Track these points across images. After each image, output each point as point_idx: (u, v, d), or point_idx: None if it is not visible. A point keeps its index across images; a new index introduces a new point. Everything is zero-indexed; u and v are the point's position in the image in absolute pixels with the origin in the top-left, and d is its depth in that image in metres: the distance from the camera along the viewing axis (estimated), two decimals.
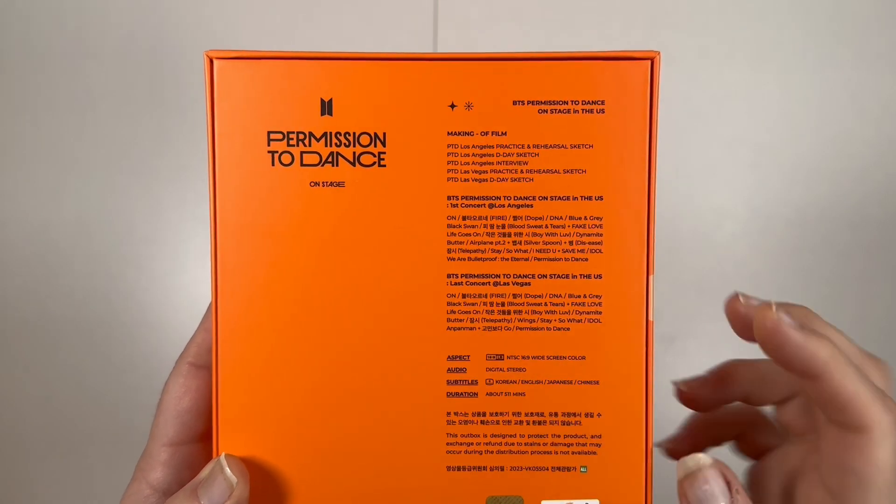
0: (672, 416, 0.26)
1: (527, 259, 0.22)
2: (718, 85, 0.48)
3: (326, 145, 0.22)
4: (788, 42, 0.48)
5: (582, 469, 0.22)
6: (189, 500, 0.21)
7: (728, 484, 0.20)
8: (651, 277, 0.22)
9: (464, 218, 0.22)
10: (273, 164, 0.22)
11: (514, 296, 0.22)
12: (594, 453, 0.22)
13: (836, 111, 0.48)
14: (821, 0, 0.49)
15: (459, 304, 0.22)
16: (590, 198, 0.22)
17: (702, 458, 0.21)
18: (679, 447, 0.26)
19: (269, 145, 0.22)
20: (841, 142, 0.48)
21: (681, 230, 0.49)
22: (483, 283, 0.22)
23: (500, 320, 0.22)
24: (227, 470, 0.21)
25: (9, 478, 0.49)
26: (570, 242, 0.22)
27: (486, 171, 0.22)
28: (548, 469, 0.22)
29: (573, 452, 0.22)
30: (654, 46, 0.50)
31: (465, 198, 0.22)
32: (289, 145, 0.22)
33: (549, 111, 0.22)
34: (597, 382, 0.22)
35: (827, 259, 0.49)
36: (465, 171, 0.22)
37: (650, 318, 0.22)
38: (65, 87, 0.49)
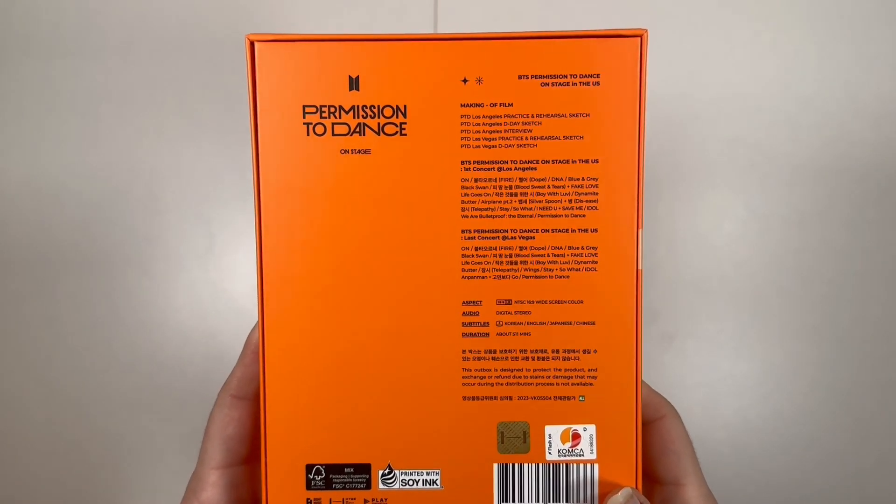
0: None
1: (531, 216, 0.25)
2: (718, 85, 0.48)
3: (354, 117, 0.25)
4: (788, 42, 0.48)
5: (580, 398, 0.25)
6: None
7: None
8: (640, 231, 0.25)
9: (476, 180, 0.25)
10: (308, 135, 0.25)
11: (521, 248, 0.25)
12: (591, 384, 0.25)
13: (836, 111, 0.48)
14: (820, 0, 0.48)
15: (472, 256, 0.25)
16: (587, 161, 0.25)
17: (624, 492, 0.25)
18: None
19: (304, 118, 0.25)
20: (840, 142, 0.48)
21: (680, 230, 0.48)
22: (493, 238, 0.25)
23: (508, 270, 0.25)
24: None
25: (9, 478, 0.48)
26: (570, 201, 0.25)
27: (495, 139, 0.25)
28: (550, 398, 0.25)
29: (572, 384, 0.25)
30: (655, 46, 0.51)
31: (477, 162, 0.25)
32: (321, 118, 0.25)
33: (550, 84, 0.24)
34: (593, 323, 0.25)
35: (826, 259, 0.48)
36: (477, 139, 0.25)
37: (639, 268, 0.25)
38: (65, 87, 0.48)
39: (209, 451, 0.27)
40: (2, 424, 0.49)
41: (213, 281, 0.48)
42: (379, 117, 0.25)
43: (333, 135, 0.25)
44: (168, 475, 0.48)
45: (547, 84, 0.24)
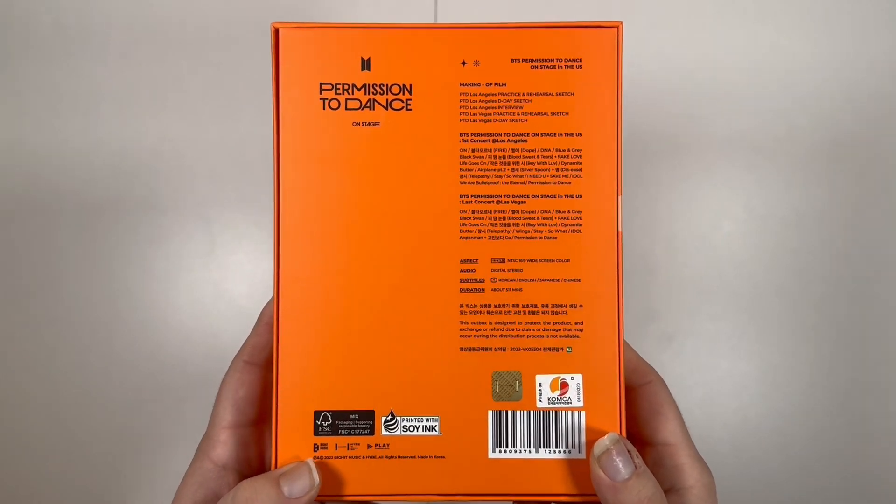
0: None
1: (522, 183, 0.28)
2: (717, 84, 0.49)
3: (366, 94, 0.28)
4: (787, 43, 0.49)
5: (568, 349, 0.28)
6: (271, 487, 0.25)
7: (629, 452, 0.26)
8: (620, 197, 0.28)
9: (473, 150, 0.28)
10: (324, 109, 0.28)
11: (513, 212, 0.28)
12: (577, 336, 0.28)
13: (835, 112, 0.49)
14: (819, 1, 0.49)
15: (470, 218, 0.28)
16: (571, 134, 0.28)
17: (610, 436, 0.27)
18: None
19: (320, 94, 0.28)
20: (839, 143, 0.49)
21: (679, 230, 0.49)
22: (488, 202, 0.28)
23: (502, 231, 0.28)
24: (315, 471, 0.26)
25: (9, 478, 0.49)
26: (557, 169, 0.28)
27: (491, 114, 0.28)
28: (541, 350, 0.28)
29: (561, 336, 0.28)
30: (652, 48, 0.54)
31: (474, 135, 0.28)
32: (336, 94, 0.28)
33: (539, 67, 0.28)
34: (579, 280, 0.28)
35: (825, 259, 0.49)
36: (474, 114, 0.28)
37: (619, 230, 0.28)
38: (67, 87, 0.49)
39: (220, 413, 0.29)
40: (4, 423, 0.49)
41: (214, 281, 0.50)
42: (387, 94, 0.28)
43: (346, 109, 0.28)
44: (169, 473, 0.49)
45: (536, 67, 0.28)
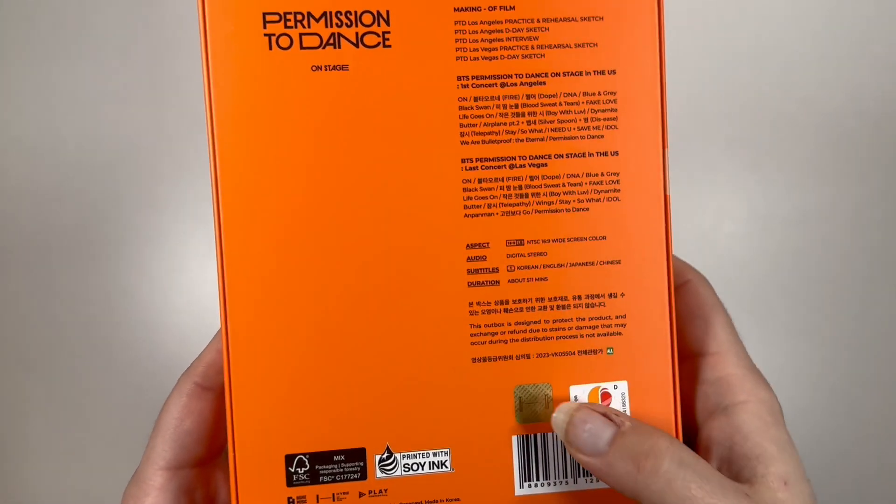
0: None
1: (542, 139, 0.21)
2: (719, 84, 0.48)
3: (327, 26, 0.20)
4: (788, 42, 0.48)
5: (608, 351, 0.22)
6: None
7: (604, 415, 0.20)
8: (666, 151, 0.22)
9: (475, 99, 0.21)
10: (270, 48, 0.20)
11: (531, 178, 0.21)
12: (619, 334, 0.22)
13: (836, 112, 0.48)
14: (821, 1, 0.48)
15: (476, 189, 0.21)
16: (602, 72, 0.21)
17: (568, 405, 0.21)
18: None
19: (265, 28, 0.20)
20: (841, 142, 0.48)
21: (680, 230, 0.47)
22: (499, 167, 0.21)
23: (518, 204, 0.21)
24: None
25: (9, 478, 0.48)
26: (585, 119, 0.21)
27: (496, 49, 0.21)
28: (574, 353, 0.22)
29: (598, 335, 0.22)
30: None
31: (476, 77, 0.21)
32: (286, 27, 0.20)
33: None
34: (618, 262, 0.22)
35: (827, 259, 0.48)
36: (475, 49, 0.21)
37: (667, 193, 0.22)
38: (65, 85, 0.48)
39: (157, 448, 0.22)
40: (4, 423, 0.48)
41: (212, 281, 0.45)
42: (357, 25, 0.20)
43: (302, 48, 0.20)
44: None
45: None
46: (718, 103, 0.48)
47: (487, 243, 0.21)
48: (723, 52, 0.48)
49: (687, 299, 0.23)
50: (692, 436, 0.23)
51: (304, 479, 0.21)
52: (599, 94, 0.21)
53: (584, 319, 0.22)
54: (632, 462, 0.19)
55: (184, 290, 0.49)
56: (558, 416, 0.21)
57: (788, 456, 0.20)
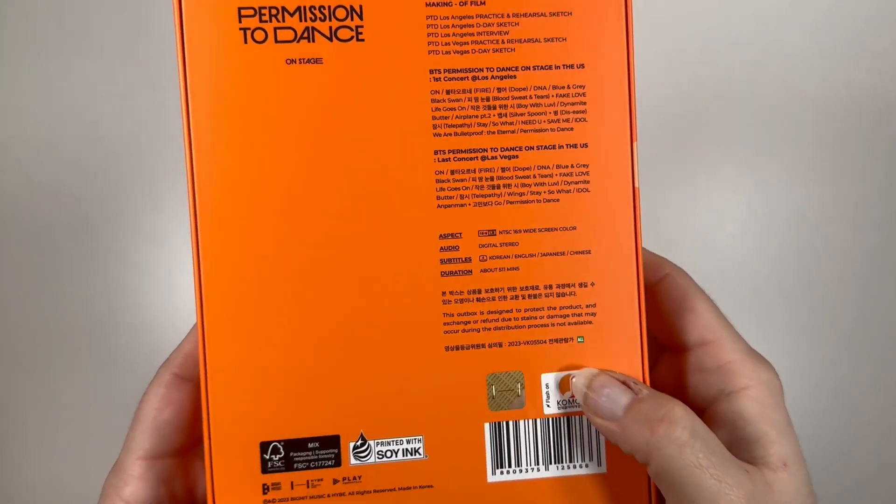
0: None
1: (513, 131, 0.22)
2: (719, 84, 0.48)
3: (301, 20, 0.21)
4: (789, 41, 0.48)
5: (579, 339, 0.22)
6: None
7: (623, 383, 0.21)
8: (635, 144, 0.22)
9: (447, 92, 0.21)
10: (246, 42, 0.21)
11: (503, 169, 0.22)
12: (590, 323, 0.22)
13: (837, 111, 0.48)
14: (822, 1, 0.48)
15: (448, 180, 0.22)
16: (571, 66, 0.22)
17: (588, 370, 0.22)
18: None
19: (240, 22, 0.21)
20: (842, 142, 0.48)
21: (681, 230, 0.48)
22: (471, 158, 0.22)
23: (490, 195, 0.22)
24: None
25: (9, 478, 0.48)
26: (555, 112, 0.22)
27: (468, 43, 0.21)
28: (545, 342, 0.22)
29: (569, 323, 0.22)
30: (653, 47, 0.50)
31: (448, 70, 0.21)
32: (261, 21, 0.21)
33: None
34: (588, 252, 0.22)
35: (827, 260, 0.48)
36: (447, 44, 0.21)
37: (636, 185, 0.22)
38: (64, 85, 0.48)
39: (136, 438, 0.22)
40: (4, 423, 0.48)
41: None
42: (330, 20, 0.21)
43: (277, 41, 0.21)
44: None
45: None
46: (719, 103, 0.48)
47: (460, 233, 0.22)
48: (723, 52, 0.48)
49: (669, 292, 0.23)
50: None
51: (279, 466, 0.21)
52: (569, 87, 0.22)
53: (555, 308, 0.22)
54: (646, 426, 0.20)
55: (184, 290, 0.48)
56: (578, 381, 0.21)
57: (787, 438, 0.21)
